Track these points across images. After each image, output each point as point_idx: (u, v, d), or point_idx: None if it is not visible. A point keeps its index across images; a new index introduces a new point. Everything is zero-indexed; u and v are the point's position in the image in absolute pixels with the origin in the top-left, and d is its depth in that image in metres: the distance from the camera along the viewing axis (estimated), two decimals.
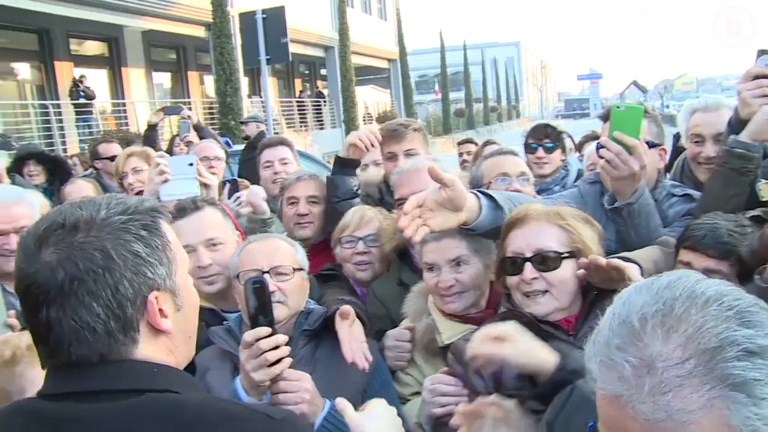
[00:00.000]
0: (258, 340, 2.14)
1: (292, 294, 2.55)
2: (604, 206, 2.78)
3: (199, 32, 22.04)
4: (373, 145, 3.56)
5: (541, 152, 4.48)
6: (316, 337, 2.56)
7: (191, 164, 3.28)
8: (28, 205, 3.35)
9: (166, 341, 1.42)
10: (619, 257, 2.28)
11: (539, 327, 2.21)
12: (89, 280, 1.30)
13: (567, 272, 2.25)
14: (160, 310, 1.39)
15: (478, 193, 2.43)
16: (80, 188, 4.82)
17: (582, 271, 2.20)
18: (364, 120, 33.91)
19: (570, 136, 5.17)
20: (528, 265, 2.24)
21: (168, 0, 20.32)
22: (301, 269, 2.66)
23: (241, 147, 12.15)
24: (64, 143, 17.45)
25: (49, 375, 1.37)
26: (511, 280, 2.31)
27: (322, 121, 31.26)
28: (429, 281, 2.67)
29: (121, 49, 22.79)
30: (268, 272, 2.51)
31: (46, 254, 1.31)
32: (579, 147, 5.94)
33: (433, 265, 2.64)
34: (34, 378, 2.05)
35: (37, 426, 1.29)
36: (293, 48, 27.68)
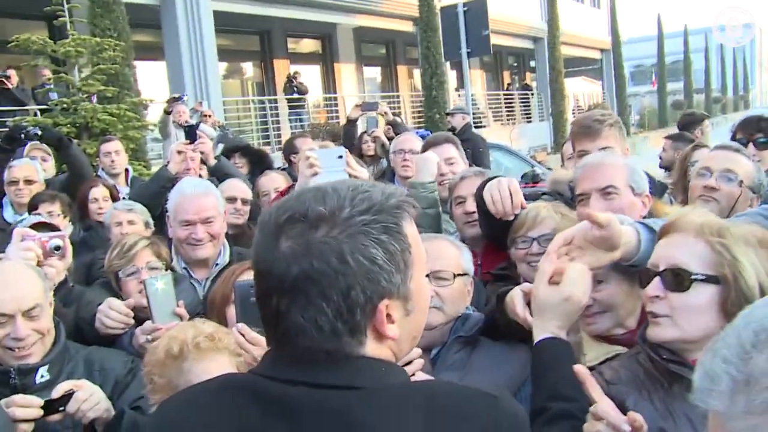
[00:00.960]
0: None
1: (450, 300, 2.49)
2: None
3: (407, 27, 22.48)
4: (514, 207, 3.05)
5: (751, 148, 3.94)
6: (471, 343, 2.46)
7: (341, 157, 3.26)
8: (215, 198, 3.56)
9: (391, 344, 1.37)
10: None
11: (666, 368, 1.88)
12: (322, 281, 1.26)
13: (699, 299, 1.85)
14: (388, 315, 1.33)
15: (639, 226, 2.13)
16: (273, 180, 5.02)
17: None
18: (573, 112, 32.90)
19: None
20: (656, 280, 1.90)
21: None
22: (464, 274, 2.58)
23: None
24: (279, 136, 18.53)
25: (278, 359, 1.36)
26: (644, 296, 1.98)
27: (529, 114, 30.71)
28: None
29: (334, 46, 23.91)
30: (428, 275, 2.41)
31: (284, 245, 1.29)
32: None
33: None
34: (200, 374, 2.11)
35: (276, 407, 1.29)
36: (501, 40, 27.68)
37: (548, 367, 1.90)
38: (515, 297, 2.17)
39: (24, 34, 9.29)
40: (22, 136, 5.86)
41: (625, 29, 39.34)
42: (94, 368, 2.64)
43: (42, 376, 2.49)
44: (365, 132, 7.31)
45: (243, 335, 2.24)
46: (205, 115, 9.89)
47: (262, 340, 2.19)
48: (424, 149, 4.52)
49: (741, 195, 3.19)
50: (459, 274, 2.53)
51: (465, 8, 13.04)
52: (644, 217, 2.70)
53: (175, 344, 2.18)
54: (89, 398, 2.28)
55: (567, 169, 4.03)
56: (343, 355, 1.30)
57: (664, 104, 43.25)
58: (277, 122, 19.20)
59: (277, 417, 1.28)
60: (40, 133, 5.97)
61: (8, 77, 11.86)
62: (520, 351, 2.42)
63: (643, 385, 1.93)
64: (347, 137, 7.98)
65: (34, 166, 5.75)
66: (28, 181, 5.52)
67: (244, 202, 4.66)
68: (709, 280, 1.85)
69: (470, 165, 8.72)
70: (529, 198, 3.23)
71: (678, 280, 1.86)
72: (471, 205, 3.49)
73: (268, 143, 18.08)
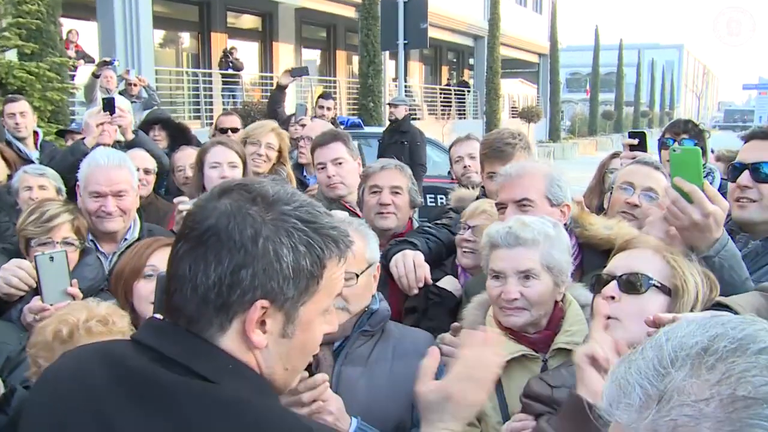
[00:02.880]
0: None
1: (354, 298, 2.40)
2: None
3: (350, 12, 22.35)
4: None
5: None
6: (375, 334, 2.45)
7: None
8: (128, 171, 3.44)
9: (257, 354, 1.32)
10: (715, 304, 2.00)
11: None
12: (225, 244, 1.27)
13: (651, 306, 2.00)
14: (262, 321, 1.29)
15: None
16: (188, 156, 4.85)
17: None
18: (509, 114, 33.34)
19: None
20: (612, 283, 2.07)
21: None
22: (369, 267, 2.47)
23: (375, 129, 12.18)
24: (210, 111, 18.17)
25: (151, 320, 1.40)
26: (595, 302, 2.12)
27: (464, 110, 30.99)
28: (492, 290, 2.47)
29: (274, 25, 23.57)
30: None
31: (220, 202, 1.31)
32: (717, 159, 5.44)
33: (500, 274, 2.45)
34: None
35: (115, 374, 1.27)
36: (442, 35, 27.84)
37: None
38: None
39: None
40: None
41: (564, 37, 40.00)
42: None
43: None
44: (293, 116, 7.22)
45: None
46: (131, 84, 9.57)
47: None
48: (312, 150, 4.25)
49: None
50: (364, 270, 2.43)
51: (405, 0, 13.03)
52: (565, 225, 2.78)
53: (65, 327, 2.08)
54: None
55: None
56: (197, 331, 1.28)
57: (595, 113, 44.35)
58: (210, 97, 18.81)
59: (117, 383, 1.25)
60: None
61: None
62: (421, 342, 2.45)
63: None
64: (273, 102, 7.86)
65: None
66: None
67: (147, 171, 4.60)
68: (662, 289, 2.05)
69: (408, 157, 8.80)
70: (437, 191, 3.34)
71: (635, 283, 2.05)
72: (386, 197, 3.49)
73: (199, 117, 17.72)
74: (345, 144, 4.14)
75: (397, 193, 3.53)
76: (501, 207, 2.92)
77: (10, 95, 7.10)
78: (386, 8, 13.76)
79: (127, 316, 2.24)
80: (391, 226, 3.48)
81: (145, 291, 2.55)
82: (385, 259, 3.06)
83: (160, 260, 2.52)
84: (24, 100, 6.51)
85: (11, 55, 9.59)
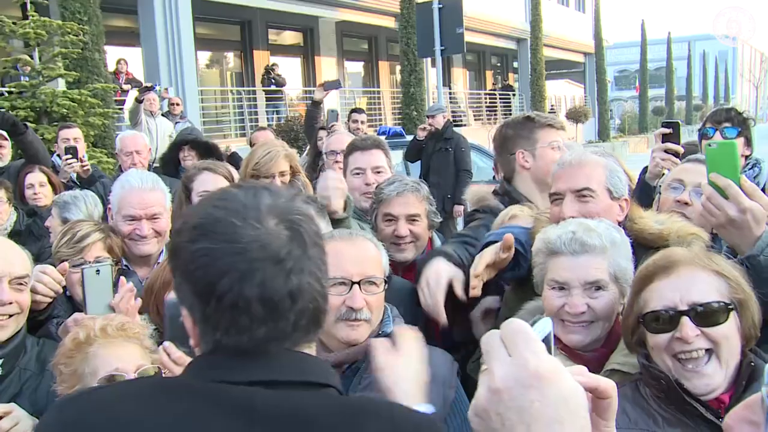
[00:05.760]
0: None
1: (377, 309, 2.27)
2: None
3: (390, 23, 22.40)
4: None
5: (718, 137, 3.83)
6: None
7: None
8: (162, 193, 3.38)
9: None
10: None
11: (683, 398, 1.84)
12: (316, 249, 1.30)
13: (732, 329, 1.86)
14: None
15: None
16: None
17: None
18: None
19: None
20: (687, 321, 1.84)
21: None
22: (388, 279, 2.36)
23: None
24: (255, 128, 18.38)
25: (229, 359, 1.27)
26: (657, 339, 1.90)
27: (510, 114, 30.72)
28: (553, 301, 2.23)
29: (315, 39, 23.78)
30: (358, 283, 2.21)
31: (273, 220, 1.26)
32: None
33: (564, 285, 2.21)
34: (107, 358, 2.09)
35: (235, 417, 1.20)
36: (484, 39, 27.70)
37: None
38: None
39: None
40: None
41: (611, 34, 39.38)
42: (47, 367, 2.50)
43: None
44: (323, 127, 7.18)
45: (168, 354, 2.11)
46: (173, 104, 9.77)
47: (188, 359, 2.01)
48: (348, 153, 4.07)
49: None
50: (385, 279, 2.30)
51: (440, 5, 12.92)
52: (620, 223, 2.56)
53: (82, 332, 2.14)
54: (12, 429, 2.14)
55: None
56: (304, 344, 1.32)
57: (645, 110, 43.46)
58: (255, 114, 19.05)
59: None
60: None
61: None
62: (442, 365, 2.24)
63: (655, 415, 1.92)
64: (309, 119, 7.87)
65: None
66: None
67: None
68: (735, 308, 1.87)
69: (453, 164, 8.66)
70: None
71: (714, 314, 1.85)
72: (403, 229, 3.26)
73: (244, 134, 17.97)
74: (386, 154, 4.01)
75: (414, 221, 3.29)
76: (557, 198, 2.65)
77: (64, 123, 7.29)
78: (422, 15, 13.70)
79: (147, 325, 2.28)
80: (409, 257, 3.25)
81: None
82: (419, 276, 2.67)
83: None
84: (77, 127, 6.68)
85: (61, 84, 9.90)
